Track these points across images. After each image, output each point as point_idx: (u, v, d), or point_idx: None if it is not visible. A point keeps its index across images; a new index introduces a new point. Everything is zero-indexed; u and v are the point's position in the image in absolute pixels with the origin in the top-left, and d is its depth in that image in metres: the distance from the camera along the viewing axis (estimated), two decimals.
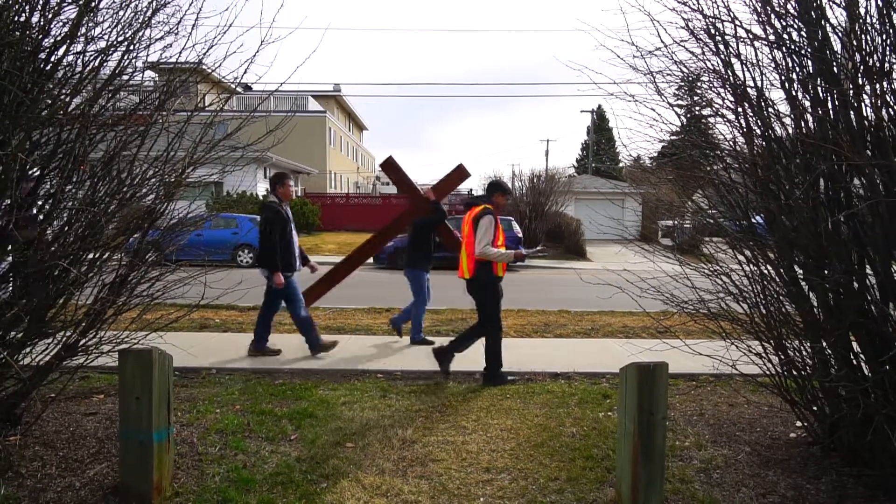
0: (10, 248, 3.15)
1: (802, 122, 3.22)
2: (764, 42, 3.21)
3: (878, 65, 2.84)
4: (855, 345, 3.18)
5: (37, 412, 3.77)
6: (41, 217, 3.34)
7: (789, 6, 3.10)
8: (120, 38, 3.29)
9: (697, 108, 4.29)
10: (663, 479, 2.93)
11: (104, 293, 3.52)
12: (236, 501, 2.98)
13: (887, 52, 2.82)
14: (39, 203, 3.37)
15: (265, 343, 5.93)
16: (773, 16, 3.14)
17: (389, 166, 7.03)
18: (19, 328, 3.21)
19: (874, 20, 2.83)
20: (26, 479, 3.07)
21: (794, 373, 3.53)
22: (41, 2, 3.02)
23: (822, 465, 3.43)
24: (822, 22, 2.99)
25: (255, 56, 3.67)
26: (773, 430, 4.02)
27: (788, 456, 3.57)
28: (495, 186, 5.50)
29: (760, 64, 3.26)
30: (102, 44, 3.26)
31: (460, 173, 7.25)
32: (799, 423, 3.89)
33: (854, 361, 3.20)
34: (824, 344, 3.23)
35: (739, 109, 3.41)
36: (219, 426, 3.91)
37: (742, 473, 3.37)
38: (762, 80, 3.27)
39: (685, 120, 4.19)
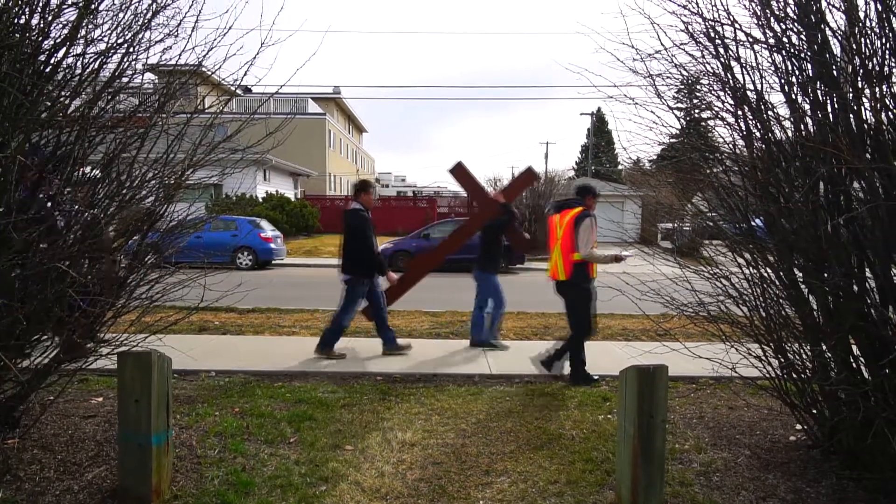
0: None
1: (802, 126, 3.22)
2: (764, 45, 3.22)
3: (877, 68, 2.84)
4: (855, 348, 3.18)
5: (35, 415, 3.76)
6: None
7: (789, 10, 3.11)
8: (120, 41, 3.29)
9: (697, 110, 4.30)
10: (663, 481, 2.93)
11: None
12: None
13: (887, 56, 2.83)
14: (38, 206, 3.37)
15: (394, 343, 6.13)
16: (772, 19, 3.15)
17: (459, 171, 6.98)
18: (17, 330, 3.20)
19: (874, 24, 2.83)
20: (24, 482, 3.06)
21: (794, 376, 3.53)
22: (41, 4, 3.02)
23: (822, 468, 3.42)
24: (822, 25, 2.99)
25: (254, 58, 3.67)
26: (772, 434, 4.02)
27: (788, 459, 3.57)
28: (588, 189, 5.54)
29: (760, 67, 3.26)
30: (102, 46, 3.26)
31: (529, 176, 7.31)
32: (799, 427, 3.88)
33: (854, 364, 3.19)
34: (824, 347, 3.23)
35: (739, 112, 3.41)
36: (218, 429, 3.90)
37: (742, 476, 3.36)
38: (762, 84, 3.28)
39: (685, 123, 4.19)
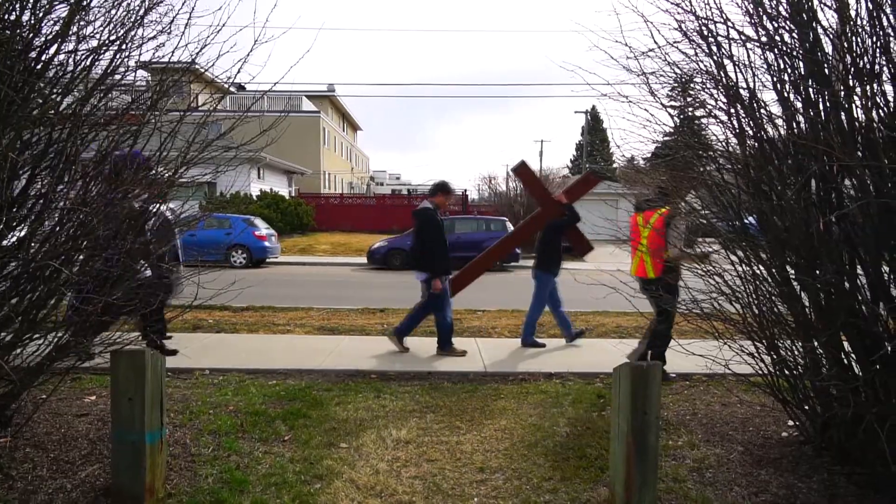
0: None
1: (794, 124, 3.24)
2: (756, 43, 3.23)
3: (868, 66, 2.86)
4: (846, 344, 3.21)
5: (27, 413, 3.74)
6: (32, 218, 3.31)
7: (781, 8, 3.12)
8: (112, 37, 3.26)
9: (690, 109, 4.32)
10: (656, 478, 2.94)
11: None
12: (229, 502, 2.97)
13: (877, 54, 2.85)
14: (30, 204, 3.35)
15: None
16: (765, 17, 3.16)
17: (523, 171, 6.92)
18: (10, 329, 3.18)
19: (864, 22, 2.85)
20: (17, 481, 3.05)
21: (786, 372, 3.55)
22: (32, 0, 3.00)
23: (814, 463, 3.45)
24: (814, 24, 3.01)
25: (248, 56, 3.66)
26: (765, 430, 4.04)
27: (780, 455, 3.60)
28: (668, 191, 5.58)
29: (753, 65, 3.28)
30: (94, 42, 3.24)
31: (591, 179, 7.38)
32: (791, 423, 3.91)
33: (845, 361, 3.22)
34: (816, 343, 3.25)
35: (732, 110, 3.43)
36: (212, 427, 3.90)
37: (734, 472, 3.38)
38: (754, 82, 3.29)
39: (678, 121, 4.21)
